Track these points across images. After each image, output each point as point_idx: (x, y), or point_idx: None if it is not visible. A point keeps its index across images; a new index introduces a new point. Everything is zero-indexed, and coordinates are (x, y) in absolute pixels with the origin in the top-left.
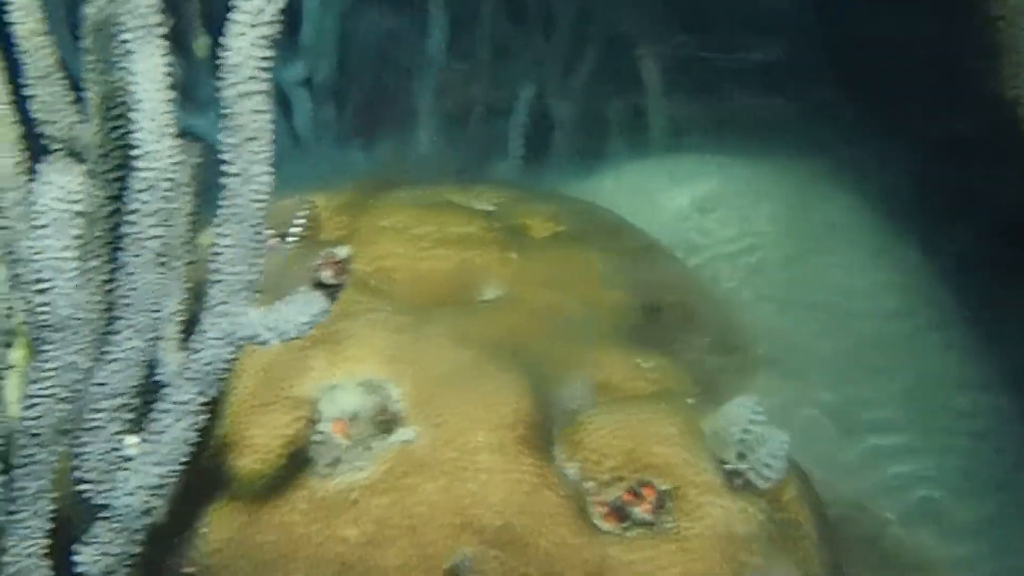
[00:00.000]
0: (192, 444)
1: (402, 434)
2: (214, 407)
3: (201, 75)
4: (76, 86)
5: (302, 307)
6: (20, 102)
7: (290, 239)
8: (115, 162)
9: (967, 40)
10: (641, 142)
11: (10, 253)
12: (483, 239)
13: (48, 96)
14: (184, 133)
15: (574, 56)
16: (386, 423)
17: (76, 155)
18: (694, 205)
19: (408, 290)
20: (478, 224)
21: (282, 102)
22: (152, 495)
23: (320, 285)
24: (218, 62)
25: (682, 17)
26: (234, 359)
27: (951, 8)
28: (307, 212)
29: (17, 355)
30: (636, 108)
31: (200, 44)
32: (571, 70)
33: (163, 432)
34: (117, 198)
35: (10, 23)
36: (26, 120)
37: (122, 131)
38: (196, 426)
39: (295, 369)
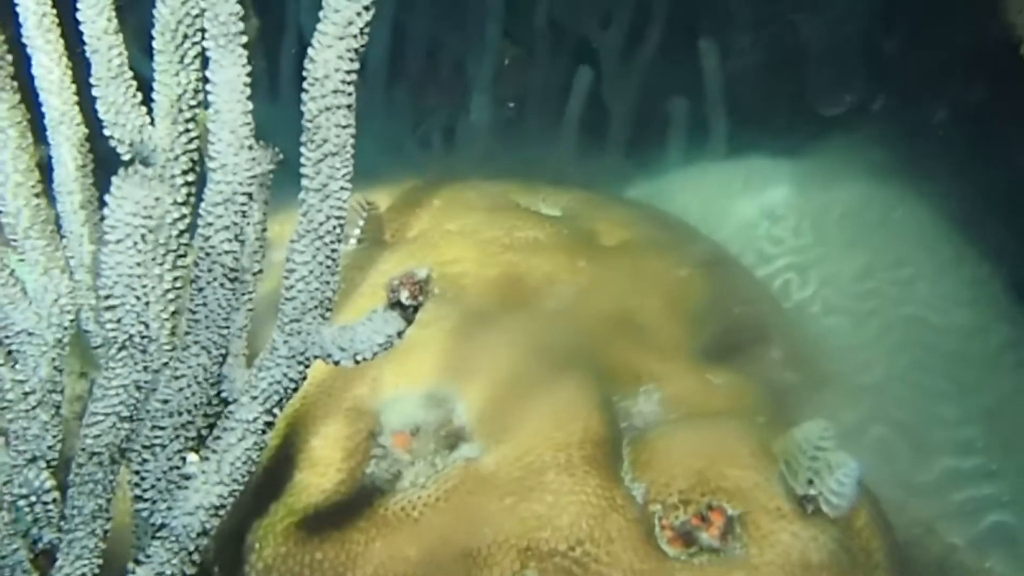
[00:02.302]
0: (255, 463)
1: (466, 450)
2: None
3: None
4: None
5: (378, 327)
6: (88, 103)
7: (353, 241)
8: (184, 167)
9: None
10: (710, 143)
11: (71, 258)
12: (552, 245)
13: (117, 97)
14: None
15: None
16: (450, 438)
17: (143, 159)
18: (764, 212)
19: (475, 297)
20: (546, 229)
21: None
22: (212, 515)
23: (397, 305)
24: (303, 73)
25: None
26: (303, 378)
27: None
28: (370, 213)
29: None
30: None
31: (250, 26)
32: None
33: (226, 451)
34: (184, 204)
35: (80, 22)
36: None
37: (192, 135)
38: (260, 445)
39: (357, 379)
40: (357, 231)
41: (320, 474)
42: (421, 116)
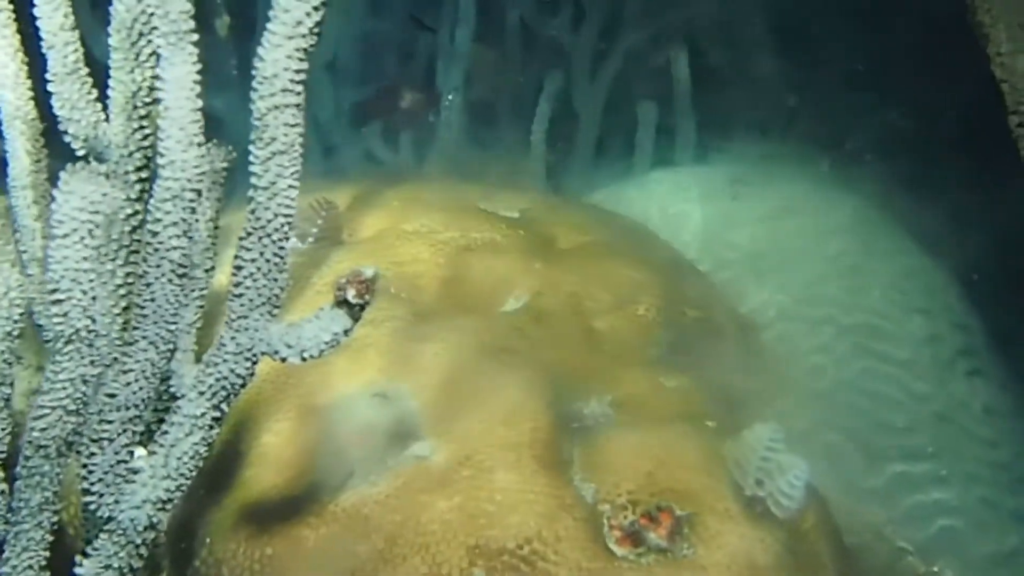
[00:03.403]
0: (202, 459)
1: (417, 448)
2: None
3: (221, 54)
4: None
5: (325, 325)
6: (44, 99)
7: (310, 240)
8: (137, 163)
9: None
10: (671, 148)
11: (24, 252)
12: (508, 247)
13: (72, 93)
14: (209, 138)
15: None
16: (401, 436)
17: (97, 155)
18: (723, 218)
19: (429, 297)
20: (503, 231)
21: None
22: (159, 509)
23: (344, 303)
24: (253, 72)
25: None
26: (251, 374)
27: None
28: (327, 213)
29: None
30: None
31: (222, 23)
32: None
33: (174, 445)
34: (138, 200)
35: (37, 18)
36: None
37: (146, 132)
38: (208, 440)
39: (311, 376)
40: (315, 230)
41: (271, 470)
42: (392, 117)
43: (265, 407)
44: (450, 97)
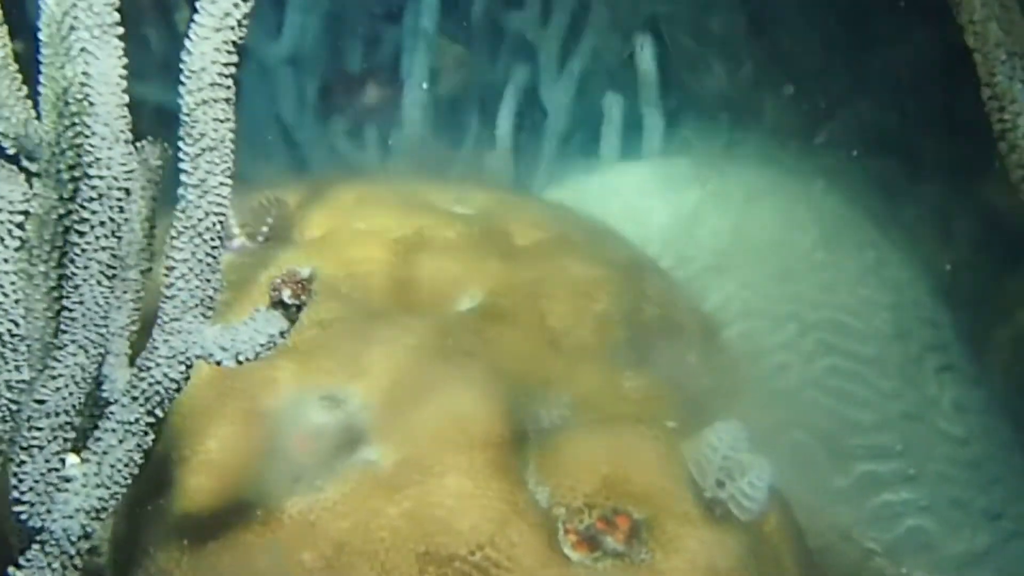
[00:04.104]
0: (137, 466)
1: (366, 453)
2: (165, 420)
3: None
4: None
5: (260, 327)
6: None
7: (260, 239)
8: (69, 162)
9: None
10: (634, 141)
11: None
12: (462, 245)
13: (1, 90)
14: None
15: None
16: (350, 441)
17: (28, 153)
18: (686, 212)
19: (381, 297)
20: (457, 229)
21: (266, 80)
22: (93, 519)
23: (280, 304)
24: (180, 66)
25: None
26: (185, 378)
27: None
28: (278, 211)
29: None
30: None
31: (184, 17)
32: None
33: (107, 453)
34: (71, 199)
35: None
36: None
37: (79, 130)
38: (142, 447)
39: (256, 379)
40: (265, 228)
41: (216, 477)
42: (355, 113)
43: (209, 412)
44: (425, 86)
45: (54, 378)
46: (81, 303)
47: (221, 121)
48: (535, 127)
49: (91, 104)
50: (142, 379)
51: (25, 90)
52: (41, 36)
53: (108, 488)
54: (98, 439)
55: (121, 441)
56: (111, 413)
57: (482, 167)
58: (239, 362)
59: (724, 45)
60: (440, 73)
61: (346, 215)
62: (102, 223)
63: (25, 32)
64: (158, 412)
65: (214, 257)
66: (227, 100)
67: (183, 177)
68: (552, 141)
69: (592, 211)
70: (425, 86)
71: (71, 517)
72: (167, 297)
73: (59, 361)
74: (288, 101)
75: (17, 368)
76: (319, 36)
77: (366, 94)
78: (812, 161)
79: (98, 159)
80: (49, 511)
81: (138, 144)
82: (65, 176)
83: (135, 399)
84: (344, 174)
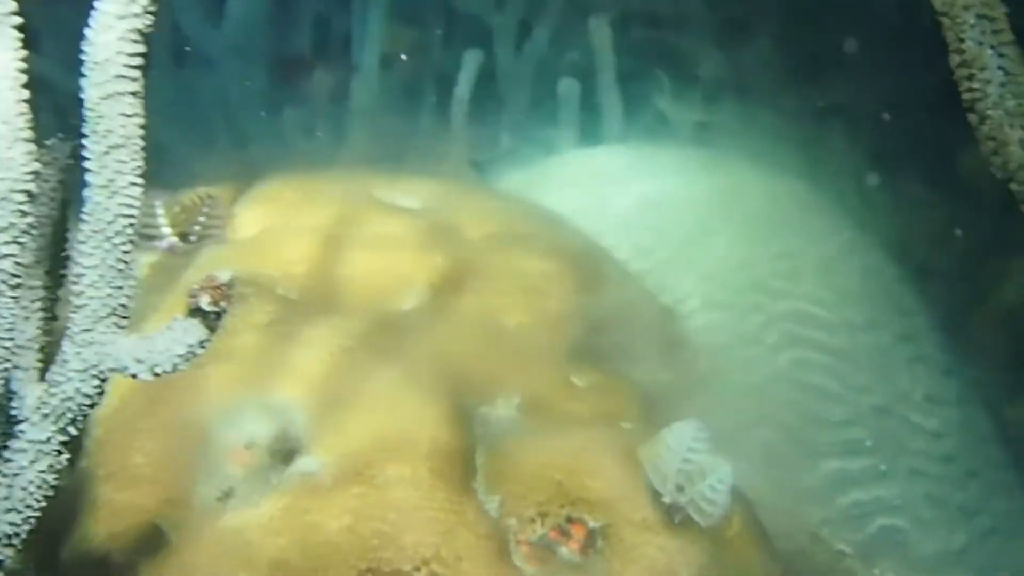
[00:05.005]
0: (51, 488)
1: (304, 464)
2: (84, 436)
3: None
4: None
5: (178, 337)
6: None
7: (192, 238)
8: None
9: None
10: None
11: None
12: (407, 241)
13: None
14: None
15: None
16: (286, 452)
17: None
18: (644, 202)
19: (320, 298)
20: (403, 224)
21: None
22: (4, 545)
23: (198, 312)
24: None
25: None
26: (100, 393)
27: None
28: (210, 209)
29: None
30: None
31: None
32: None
33: (17, 475)
34: None
35: None
36: None
37: None
38: (56, 467)
39: (186, 388)
40: (196, 227)
41: (144, 494)
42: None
43: (136, 423)
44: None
45: None
46: None
47: (129, 116)
48: (491, 113)
49: None
50: (53, 395)
51: None
52: None
53: (20, 512)
54: (7, 460)
55: (33, 462)
56: (21, 432)
57: (436, 155)
58: (156, 375)
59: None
60: (393, 59)
61: (284, 211)
62: (3, 229)
63: None
64: (71, 430)
65: (126, 263)
66: (134, 94)
67: (89, 177)
68: (508, 127)
69: (547, 200)
70: (375, 72)
71: None
72: (77, 307)
73: None
74: (233, 91)
75: None
76: (264, 22)
77: (316, 81)
78: (776, 147)
79: None
80: None
81: (47, 143)
82: None
83: (46, 416)
84: (289, 166)
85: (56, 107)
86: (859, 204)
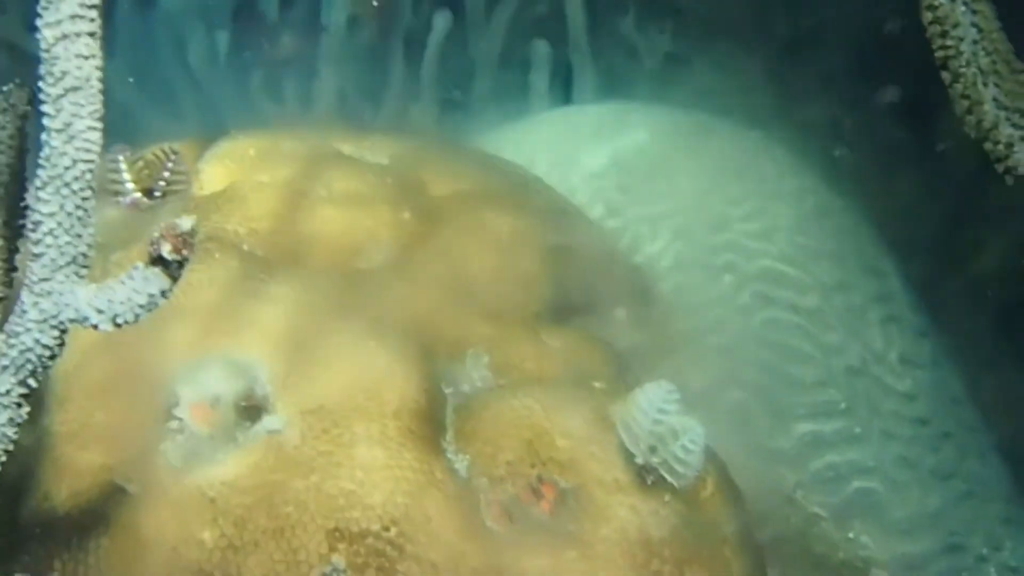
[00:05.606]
0: (10, 442)
1: (269, 422)
2: (45, 392)
3: None
4: None
5: (139, 286)
6: None
7: (156, 194)
8: None
9: None
10: (565, 85)
11: None
12: (374, 197)
13: None
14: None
15: None
16: (252, 409)
17: None
18: (615, 160)
19: (286, 256)
20: (369, 180)
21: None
22: None
23: (159, 261)
24: None
25: None
26: (60, 344)
27: None
28: (174, 164)
29: None
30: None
31: None
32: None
33: None
34: None
35: None
36: None
37: None
38: (16, 420)
39: (149, 344)
40: (161, 183)
41: (105, 452)
42: (271, 64)
43: (97, 380)
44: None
45: None
46: None
47: (85, 58)
48: (461, 76)
49: None
50: (12, 346)
51: None
52: None
53: None
54: None
55: None
56: None
57: (404, 119)
58: (117, 325)
59: None
60: (360, 21)
61: (248, 167)
62: None
63: None
64: (31, 382)
65: (85, 210)
66: (91, 34)
67: (46, 121)
68: (478, 90)
69: (518, 160)
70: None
71: None
72: (35, 255)
73: None
74: (197, 53)
75: None
76: None
77: (281, 44)
78: (749, 106)
79: None
80: None
81: (2, 89)
82: None
83: (5, 368)
84: (255, 125)
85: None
86: (831, 165)
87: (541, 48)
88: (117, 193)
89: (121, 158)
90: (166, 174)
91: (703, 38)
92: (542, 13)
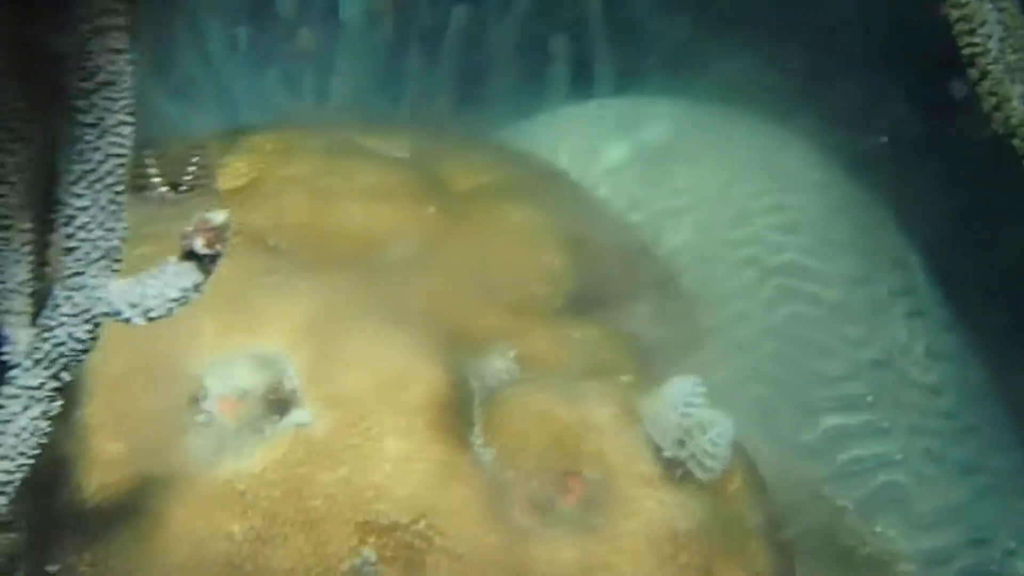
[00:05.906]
0: (44, 435)
1: (297, 416)
2: (76, 385)
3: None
4: None
5: (171, 280)
6: None
7: (182, 189)
8: None
9: None
10: (585, 80)
11: None
12: (397, 192)
13: None
14: None
15: None
16: (280, 403)
17: None
18: (638, 154)
19: (311, 250)
20: (392, 174)
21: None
22: None
23: (192, 255)
24: None
25: None
26: (92, 338)
27: None
28: (200, 159)
29: None
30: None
31: None
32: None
33: (10, 421)
34: None
35: None
36: None
37: None
38: (49, 414)
39: (178, 339)
40: (187, 177)
41: (135, 445)
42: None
43: (126, 374)
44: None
45: None
46: None
47: (117, 52)
48: (480, 70)
49: None
50: (45, 340)
51: None
52: None
53: (13, 460)
54: None
55: (25, 409)
56: (12, 378)
57: (423, 113)
58: (150, 319)
59: None
60: (378, 17)
61: (272, 162)
62: None
63: None
64: (64, 376)
65: (118, 204)
66: (120, 28)
67: (78, 116)
68: (497, 84)
69: (539, 154)
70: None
71: None
72: (67, 250)
73: None
74: (217, 49)
75: None
76: None
77: (300, 40)
78: (772, 99)
79: None
80: None
81: None
82: None
83: (38, 362)
84: (275, 121)
85: None
86: (855, 158)
87: (560, 42)
88: (144, 188)
89: (147, 152)
90: (192, 168)
91: (725, 30)
92: (561, 6)
